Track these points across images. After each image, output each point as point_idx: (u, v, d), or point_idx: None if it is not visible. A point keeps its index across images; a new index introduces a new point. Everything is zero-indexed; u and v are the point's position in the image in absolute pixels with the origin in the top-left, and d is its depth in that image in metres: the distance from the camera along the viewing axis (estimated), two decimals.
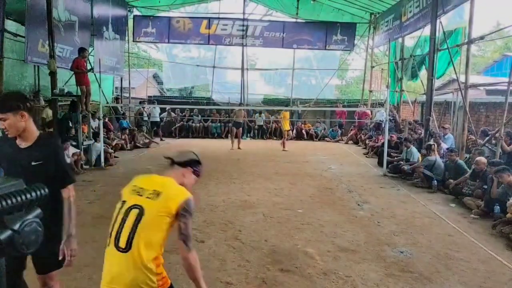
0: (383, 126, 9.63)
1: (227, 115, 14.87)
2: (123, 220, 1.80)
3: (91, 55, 11.57)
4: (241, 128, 12.28)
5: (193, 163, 2.04)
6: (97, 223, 4.84)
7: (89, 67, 9.42)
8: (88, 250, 4.02)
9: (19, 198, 0.67)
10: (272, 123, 15.50)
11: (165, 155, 2.07)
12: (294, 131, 15.29)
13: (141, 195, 1.82)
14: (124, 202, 1.86)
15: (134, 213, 1.78)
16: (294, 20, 16.53)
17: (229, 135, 12.39)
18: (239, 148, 11.84)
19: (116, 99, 14.93)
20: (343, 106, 15.14)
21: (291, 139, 12.46)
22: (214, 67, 17.29)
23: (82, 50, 8.92)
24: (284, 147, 11.97)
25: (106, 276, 1.79)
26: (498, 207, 5.20)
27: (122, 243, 1.76)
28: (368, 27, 15.93)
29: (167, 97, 17.64)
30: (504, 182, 5.31)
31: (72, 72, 9.12)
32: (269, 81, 18.90)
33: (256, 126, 15.44)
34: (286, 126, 12.49)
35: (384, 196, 6.70)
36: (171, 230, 1.82)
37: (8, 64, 9.21)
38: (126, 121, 13.22)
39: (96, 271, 3.54)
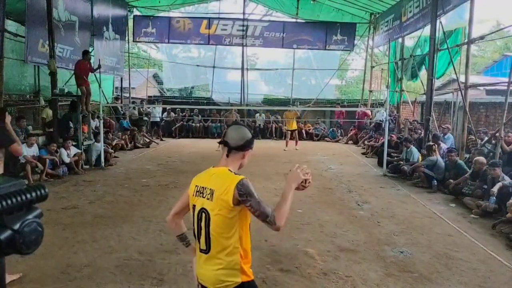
0: (383, 126, 9.63)
1: (226, 111, 14.83)
2: (198, 224, 1.81)
3: (91, 55, 11.57)
4: None
5: (251, 142, 1.91)
6: (97, 223, 4.84)
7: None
8: (88, 250, 4.02)
9: (19, 198, 0.67)
10: (272, 123, 15.49)
11: (218, 141, 1.98)
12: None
13: (203, 197, 1.81)
14: (194, 206, 1.85)
15: (203, 216, 1.79)
16: (294, 20, 16.53)
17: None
18: None
19: (116, 99, 14.92)
20: (341, 106, 15.08)
21: (291, 139, 12.36)
22: (214, 67, 17.29)
23: (85, 53, 8.96)
24: (296, 144, 12.06)
25: (198, 272, 1.87)
26: (494, 198, 5.25)
27: (202, 245, 1.80)
28: (368, 27, 15.93)
29: (167, 97, 17.64)
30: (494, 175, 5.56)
31: (72, 73, 9.13)
32: (269, 81, 18.89)
33: (257, 126, 15.42)
34: (290, 126, 12.41)
35: (384, 196, 6.69)
36: (247, 218, 1.79)
37: (8, 64, 9.22)
38: (126, 121, 13.22)
39: (96, 271, 3.54)
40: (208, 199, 1.78)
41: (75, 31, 10.58)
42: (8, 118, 3.75)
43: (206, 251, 1.78)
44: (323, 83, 17.14)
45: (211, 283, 1.77)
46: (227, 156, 1.88)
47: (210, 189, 1.79)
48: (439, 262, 3.94)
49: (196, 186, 1.87)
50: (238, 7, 16.56)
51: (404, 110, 14.21)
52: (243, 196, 1.70)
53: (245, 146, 1.89)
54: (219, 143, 1.93)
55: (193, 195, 1.86)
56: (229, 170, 1.82)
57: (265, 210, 1.71)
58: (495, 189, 5.43)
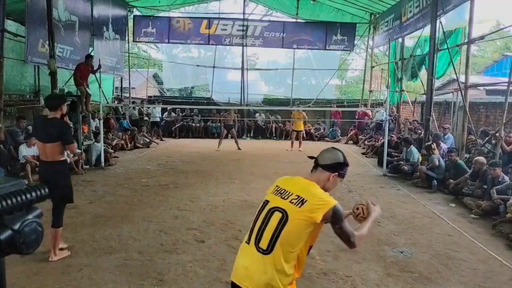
0: (383, 126, 9.63)
1: (225, 112, 14.82)
2: (265, 221, 1.77)
3: (92, 56, 11.58)
4: (233, 129, 12.21)
5: (340, 166, 1.90)
6: (97, 223, 4.84)
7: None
8: (89, 250, 4.02)
9: (19, 198, 0.67)
10: (272, 123, 15.49)
11: (309, 154, 2.00)
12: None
13: (284, 198, 1.78)
14: (267, 202, 1.83)
15: (277, 216, 1.75)
16: (294, 20, 16.53)
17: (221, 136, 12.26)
18: (238, 148, 11.83)
19: (119, 100, 14.90)
20: (338, 106, 15.06)
21: (296, 139, 12.32)
22: (214, 67, 17.28)
23: (88, 57, 9.00)
24: (299, 146, 11.95)
25: (239, 272, 1.79)
26: (503, 206, 5.21)
27: (263, 245, 1.74)
28: (368, 27, 15.93)
29: (167, 97, 17.64)
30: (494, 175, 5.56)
31: (72, 73, 9.13)
32: (269, 81, 18.88)
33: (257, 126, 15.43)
34: (296, 126, 12.36)
35: (384, 196, 6.70)
36: (316, 235, 1.83)
37: (8, 64, 9.21)
38: (126, 121, 13.22)
39: (96, 271, 3.54)
40: (293, 203, 1.76)
41: (75, 31, 10.57)
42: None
43: (266, 251, 1.73)
44: (323, 83, 17.13)
45: (255, 285, 1.71)
46: (311, 171, 1.91)
47: (298, 196, 1.77)
48: (439, 262, 3.94)
49: (277, 186, 1.88)
50: (238, 7, 16.57)
51: (404, 110, 14.21)
52: (335, 219, 1.76)
53: (332, 167, 1.88)
54: (309, 157, 1.97)
55: (272, 192, 1.86)
56: (319, 188, 1.83)
57: (350, 233, 1.78)
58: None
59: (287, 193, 1.80)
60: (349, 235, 1.78)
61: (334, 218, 1.75)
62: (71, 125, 4.19)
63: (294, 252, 1.72)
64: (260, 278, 1.71)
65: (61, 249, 3.91)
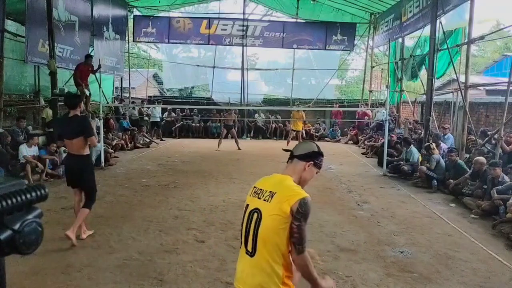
0: (383, 126, 9.62)
1: (225, 112, 14.83)
2: (248, 224, 1.79)
3: (91, 55, 11.58)
4: (233, 129, 12.22)
5: (314, 155, 1.91)
6: (97, 223, 4.84)
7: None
8: (88, 250, 4.02)
9: (19, 198, 0.67)
10: (272, 123, 15.49)
11: (284, 148, 2.03)
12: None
13: (259, 198, 1.80)
14: (247, 205, 1.85)
15: (255, 217, 1.77)
16: (294, 20, 16.54)
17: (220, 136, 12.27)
18: (238, 148, 11.83)
19: (120, 100, 14.90)
20: (339, 106, 15.08)
21: (294, 139, 12.33)
22: (214, 67, 17.29)
23: (88, 57, 9.00)
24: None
25: (237, 276, 1.85)
26: (503, 207, 5.21)
27: (249, 247, 1.77)
28: (368, 27, 15.94)
29: (167, 97, 17.64)
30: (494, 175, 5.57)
31: (72, 73, 9.14)
32: (269, 81, 18.89)
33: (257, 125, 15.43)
34: (296, 126, 12.36)
35: (384, 196, 6.69)
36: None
37: (8, 64, 9.22)
38: (126, 121, 13.22)
39: (96, 271, 3.55)
40: (265, 200, 1.76)
41: (75, 31, 10.58)
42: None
43: (252, 253, 1.75)
44: (323, 83, 17.14)
45: (250, 286, 1.74)
46: (287, 162, 1.91)
47: (270, 191, 1.77)
48: (439, 262, 3.94)
49: (255, 187, 1.89)
50: (238, 7, 16.58)
51: (404, 110, 14.21)
52: (299, 214, 1.68)
53: (307, 156, 1.90)
54: (284, 150, 1.98)
55: (249, 195, 1.88)
56: (293, 181, 1.82)
57: (304, 238, 1.70)
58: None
59: (262, 192, 1.81)
60: (303, 240, 1.70)
61: (298, 211, 1.67)
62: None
63: (279, 251, 1.70)
64: (252, 281, 1.73)
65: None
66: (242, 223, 1.84)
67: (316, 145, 1.98)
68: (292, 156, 1.92)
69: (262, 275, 1.70)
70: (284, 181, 1.82)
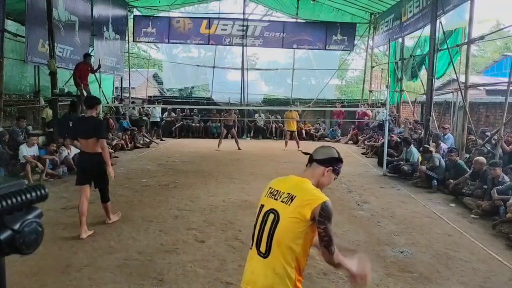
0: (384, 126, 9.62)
1: (226, 113, 14.85)
2: (262, 225, 1.78)
3: (91, 55, 11.57)
4: (233, 129, 12.22)
5: (334, 161, 1.89)
6: (97, 223, 4.84)
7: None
8: (89, 250, 4.02)
9: (19, 198, 0.67)
10: (272, 123, 15.49)
11: (304, 151, 2.01)
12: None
13: (276, 199, 1.78)
14: (262, 206, 1.83)
15: (271, 218, 1.75)
16: (294, 20, 16.54)
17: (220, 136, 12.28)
18: (238, 148, 11.83)
19: (120, 100, 14.90)
20: (342, 106, 15.10)
21: (291, 139, 12.35)
22: (214, 67, 17.29)
23: (86, 56, 9.00)
24: (298, 146, 11.82)
25: (246, 276, 1.82)
26: (503, 207, 5.20)
27: (262, 248, 1.75)
28: (368, 27, 15.94)
29: (167, 97, 17.64)
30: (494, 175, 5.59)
31: (72, 72, 9.13)
32: (269, 81, 18.89)
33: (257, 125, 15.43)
34: (290, 126, 12.37)
35: (384, 196, 6.69)
36: (312, 236, 1.76)
37: (8, 64, 9.22)
38: (126, 121, 13.22)
39: (96, 271, 3.55)
40: (283, 202, 1.74)
41: (75, 31, 10.58)
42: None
43: (265, 255, 1.73)
44: (323, 83, 17.14)
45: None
46: (306, 166, 1.89)
47: (289, 193, 1.76)
48: (439, 262, 3.94)
49: (270, 188, 1.86)
50: (238, 7, 16.58)
51: (404, 110, 14.22)
52: (322, 217, 1.68)
53: (326, 161, 1.88)
54: (304, 153, 1.97)
55: (265, 196, 1.86)
56: (312, 184, 1.81)
57: (333, 239, 1.72)
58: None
59: (279, 193, 1.79)
60: (332, 242, 1.71)
61: (321, 215, 1.67)
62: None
63: (293, 254, 1.70)
64: (263, 282, 1.72)
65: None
66: (256, 223, 1.82)
67: (337, 151, 1.96)
68: (311, 160, 1.91)
69: (275, 277, 1.69)
70: (303, 184, 1.80)
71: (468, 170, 6.74)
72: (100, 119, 4.71)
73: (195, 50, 20.00)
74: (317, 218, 1.68)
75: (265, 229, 1.75)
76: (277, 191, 1.81)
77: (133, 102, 15.09)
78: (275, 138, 15.15)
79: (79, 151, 8.18)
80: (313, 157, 1.91)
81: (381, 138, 10.93)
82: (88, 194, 4.53)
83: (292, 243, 1.69)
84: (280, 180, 1.89)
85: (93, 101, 4.62)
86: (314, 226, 1.71)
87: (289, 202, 1.73)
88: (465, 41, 8.43)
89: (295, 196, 1.73)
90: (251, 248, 1.83)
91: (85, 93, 9.16)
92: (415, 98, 13.31)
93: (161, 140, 13.78)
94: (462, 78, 8.50)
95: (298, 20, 16.47)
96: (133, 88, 18.21)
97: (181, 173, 8.13)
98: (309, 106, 15.95)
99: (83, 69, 8.79)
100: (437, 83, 10.57)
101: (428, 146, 7.74)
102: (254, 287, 1.74)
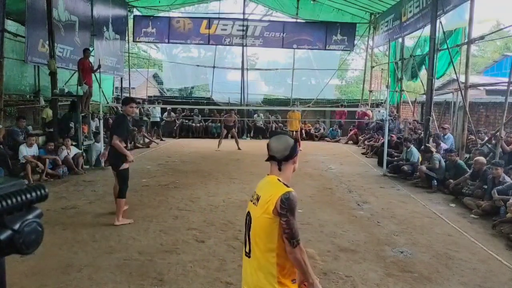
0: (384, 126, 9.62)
1: (226, 113, 14.84)
2: (245, 227, 1.86)
3: (91, 55, 11.56)
4: (233, 130, 12.23)
5: (295, 149, 1.86)
6: (97, 223, 4.84)
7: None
8: (89, 250, 4.02)
9: (19, 198, 0.67)
10: (272, 123, 15.49)
11: (265, 159, 1.91)
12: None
13: (251, 201, 1.86)
14: (247, 212, 1.89)
15: (248, 220, 1.84)
16: (294, 20, 16.54)
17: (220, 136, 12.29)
18: (238, 148, 11.83)
19: (118, 100, 14.91)
20: (343, 107, 15.10)
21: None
22: (214, 67, 17.29)
23: (85, 51, 8.99)
24: (299, 146, 11.99)
25: (243, 276, 1.91)
26: (504, 208, 5.20)
27: (247, 248, 1.84)
28: (368, 27, 15.94)
29: (167, 97, 17.64)
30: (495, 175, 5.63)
31: (73, 72, 9.12)
32: (269, 81, 18.89)
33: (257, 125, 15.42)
34: (291, 126, 12.42)
35: (384, 196, 6.69)
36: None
37: (8, 64, 9.22)
38: None
39: (96, 271, 3.55)
40: (253, 203, 1.81)
41: (75, 31, 10.57)
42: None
43: (249, 254, 1.81)
44: (323, 83, 17.14)
45: (250, 286, 1.80)
46: (280, 169, 1.85)
47: (257, 194, 1.82)
48: (439, 262, 3.94)
49: (254, 192, 1.91)
50: (238, 7, 16.58)
51: (404, 110, 14.22)
52: (283, 209, 1.69)
53: (292, 153, 1.86)
54: (267, 160, 1.90)
55: (250, 200, 1.92)
56: (278, 179, 1.81)
57: (297, 231, 1.70)
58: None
59: (253, 196, 1.85)
60: (295, 234, 1.69)
61: (282, 207, 1.68)
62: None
63: (271, 252, 1.72)
64: (251, 281, 1.78)
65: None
66: (244, 227, 1.91)
67: (285, 134, 1.93)
68: (279, 161, 1.85)
69: (258, 274, 1.75)
70: (268, 182, 1.84)
71: (468, 170, 6.74)
72: (120, 117, 4.99)
73: (195, 50, 20.00)
74: (279, 211, 1.69)
75: (246, 231, 1.85)
76: (254, 193, 1.86)
77: (137, 102, 15.09)
78: None
79: (78, 151, 8.27)
80: (278, 158, 1.85)
81: (381, 138, 10.93)
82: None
83: (267, 241, 1.73)
84: (259, 183, 1.92)
85: (124, 100, 5.06)
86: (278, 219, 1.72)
87: (256, 202, 1.79)
88: (465, 41, 8.43)
89: (260, 196, 1.78)
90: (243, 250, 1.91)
91: (92, 93, 9.16)
92: (415, 98, 13.31)
93: (161, 140, 13.78)
94: (462, 78, 8.50)
95: (298, 20, 16.47)
96: (133, 88, 18.22)
97: (181, 173, 8.13)
98: (309, 106, 15.95)
99: (85, 64, 8.78)
100: (437, 83, 10.57)
101: (429, 146, 7.73)
102: (247, 286, 1.82)
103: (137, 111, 13.99)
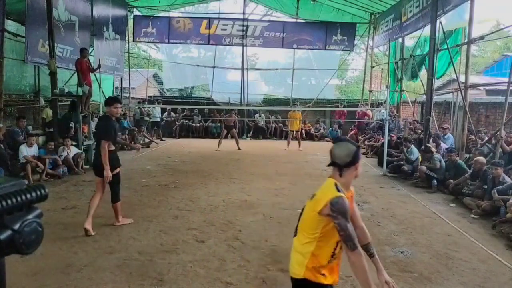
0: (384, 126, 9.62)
1: (226, 114, 14.83)
2: (300, 215, 2.11)
3: (91, 55, 11.56)
4: (233, 130, 12.24)
5: (357, 155, 1.95)
6: (97, 223, 4.84)
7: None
8: (89, 250, 4.02)
9: (19, 198, 0.67)
10: (272, 123, 15.48)
11: (327, 164, 2.04)
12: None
13: (310, 197, 2.05)
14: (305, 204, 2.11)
15: (302, 210, 2.08)
16: (294, 20, 16.53)
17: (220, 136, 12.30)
18: (238, 148, 11.83)
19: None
20: (344, 107, 15.10)
21: (293, 138, 12.39)
22: (214, 67, 17.29)
23: (81, 51, 8.94)
24: (299, 146, 12.09)
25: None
26: (504, 208, 5.20)
27: (296, 232, 2.09)
28: (368, 27, 15.93)
29: (167, 97, 17.64)
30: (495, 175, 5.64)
31: (73, 72, 9.11)
32: (269, 81, 18.89)
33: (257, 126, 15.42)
34: (292, 126, 12.44)
35: (384, 196, 6.69)
36: (334, 232, 1.89)
37: (8, 64, 9.22)
38: (127, 121, 13.22)
39: (96, 271, 3.55)
40: (310, 199, 2.02)
41: (75, 31, 10.57)
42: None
43: (294, 235, 2.08)
44: (323, 83, 17.14)
45: (290, 265, 2.04)
46: (341, 175, 1.96)
47: (314, 194, 2.00)
48: (439, 262, 3.94)
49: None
50: (238, 7, 16.58)
51: (404, 110, 14.22)
52: (334, 212, 1.83)
53: (355, 160, 1.95)
54: (329, 165, 2.00)
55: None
56: (335, 183, 1.92)
57: (351, 234, 1.84)
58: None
59: (313, 194, 2.06)
60: (351, 237, 1.83)
61: (332, 210, 1.82)
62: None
63: (311, 241, 1.93)
64: (291, 257, 2.05)
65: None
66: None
67: (347, 140, 2.04)
68: (341, 168, 1.95)
69: (295, 254, 2.02)
70: (326, 184, 1.98)
71: (468, 170, 6.74)
72: (104, 118, 4.70)
73: (195, 50, 20.00)
74: (330, 213, 1.84)
75: (299, 217, 2.10)
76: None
77: (139, 102, 15.14)
78: (275, 138, 15.14)
79: (78, 151, 8.27)
80: (340, 164, 1.96)
81: (381, 138, 10.93)
82: (101, 192, 4.62)
83: (309, 232, 1.95)
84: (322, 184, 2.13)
85: (108, 100, 4.71)
86: (329, 222, 1.87)
87: (311, 198, 2.01)
88: (465, 41, 8.43)
89: (315, 194, 1.98)
90: None
91: (92, 93, 9.13)
92: (415, 98, 13.31)
93: (161, 140, 13.79)
94: (462, 78, 8.50)
95: (298, 20, 16.47)
96: (133, 88, 18.20)
97: (181, 173, 8.13)
98: (309, 106, 15.95)
99: (83, 64, 8.73)
100: (437, 83, 10.57)
101: (430, 146, 7.73)
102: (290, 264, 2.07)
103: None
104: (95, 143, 4.76)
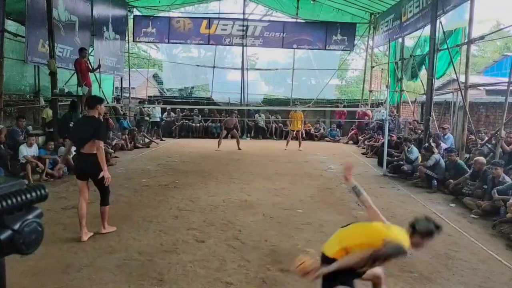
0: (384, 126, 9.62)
1: (227, 115, 14.84)
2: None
3: (91, 55, 11.57)
4: (234, 130, 12.24)
5: (429, 233, 2.39)
6: (97, 223, 4.83)
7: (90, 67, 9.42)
8: (89, 250, 4.02)
9: (19, 198, 0.67)
10: (272, 123, 15.48)
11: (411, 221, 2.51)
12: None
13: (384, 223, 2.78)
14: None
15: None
16: (294, 20, 16.53)
17: (220, 136, 12.31)
18: (238, 148, 11.83)
19: (117, 100, 14.92)
20: (344, 106, 15.10)
21: (293, 138, 12.42)
22: (214, 67, 17.28)
23: (80, 51, 8.94)
24: (299, 146, 12.13)
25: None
26: (504, 208, 5.20)
27: (346, 226, 2.84)
28: (368, 27, 15.93)
29: (167, 97, 17.64)
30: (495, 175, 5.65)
31: (73, 72, 9.10)
32: (269, 81, 18.88)
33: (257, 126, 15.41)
34: (294, 126, 12.46)
35: (384, 196, 6.69)
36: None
37: (8, 64, 9.21)
38: (127, 121, 13.22)
39: (96, 271, 3.55)
40: (384, 223, 2.73)
41: (75, 31, 10.57)
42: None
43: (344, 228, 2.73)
44: (323, 83, 17.14)
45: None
46: (411, 237, 2.42)
47: (389, 224, 2.70)
48: (439, 262, 3.94)
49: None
50: (238, 7, 16.57)
51: (404, 110, 14.21)
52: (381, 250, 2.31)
53: (425, 234, 2.39)
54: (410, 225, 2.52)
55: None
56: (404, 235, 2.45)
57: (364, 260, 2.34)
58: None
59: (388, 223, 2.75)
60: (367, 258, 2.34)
61: (384, 246, 2.33)
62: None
63: (352, 247, 2.45)
64: (330, 240, 2.67)
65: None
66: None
67: (434, 223, 2.43)
68: (414, 230, 2.43)
69: (333, 241, 2.60)
70: (400, 230, 2.53)
71: (468, 170, 6.74)
72: (100, 120, 4.51)
73: (195, 50, 19.99)
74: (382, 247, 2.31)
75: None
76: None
77: (140, 102, 15.13)
78: (275, 138, 15.14)
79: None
80: (415, 227, 2.43)
81: (381, 138, 10.93)
82: (87, 196, 4.45)
83: (359, 241, 2.48)
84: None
85: (94, 101, 4.42)
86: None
87: (386, 224, 2.70)
88: (465, 41, 8.43)
89: (389, 225, 2.67)
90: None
91: (84, 90, 9.12)
92: (415, 98, 13.31)
93: (161, 140, 13.78)
94: (462, 78, 8.50)
95: (298, 20, 16.47)
96: (133, 88, 18.20)
97: (181, 173, 8.13)
98: (309, 106, 15.95)
99: (82, 64, 8.73)
100: (437, 83, 10.57)
101: (431, 146, 7.71)
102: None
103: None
104: (78, 144, 4.34)
